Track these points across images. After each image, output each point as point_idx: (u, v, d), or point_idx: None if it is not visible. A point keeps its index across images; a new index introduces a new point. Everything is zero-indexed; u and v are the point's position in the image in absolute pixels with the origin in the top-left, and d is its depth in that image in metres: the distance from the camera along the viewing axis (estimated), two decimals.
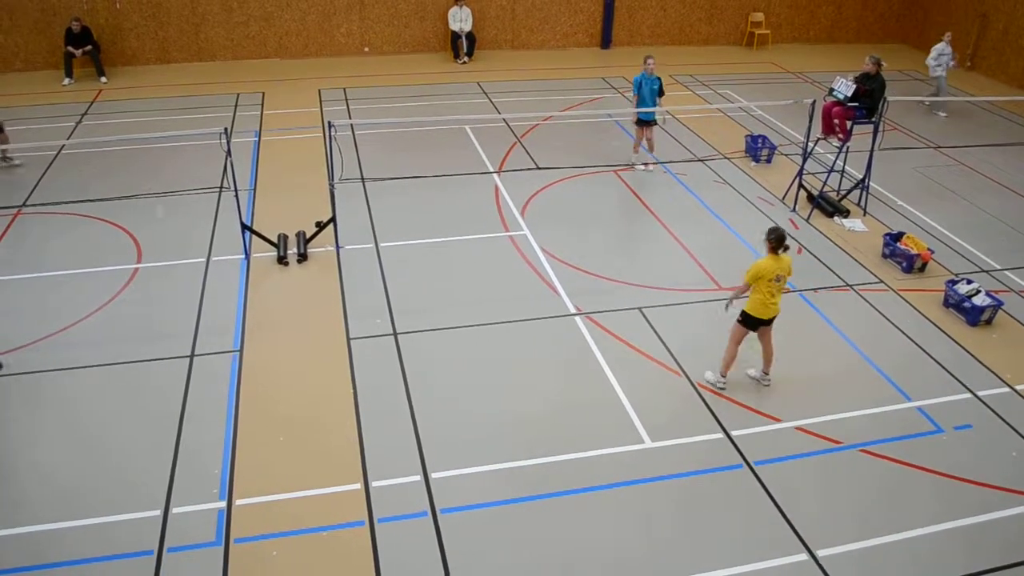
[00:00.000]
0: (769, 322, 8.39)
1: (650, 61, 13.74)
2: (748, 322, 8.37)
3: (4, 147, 12.98)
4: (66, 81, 18.31)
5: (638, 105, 13.76)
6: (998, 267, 11.45)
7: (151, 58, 19.62)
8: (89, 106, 16.95)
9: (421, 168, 13.92)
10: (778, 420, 8.30)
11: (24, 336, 9.30)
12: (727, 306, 8.36)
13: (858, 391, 8.84)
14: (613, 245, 11.72)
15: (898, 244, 11.33)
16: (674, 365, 9.07)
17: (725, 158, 14.96)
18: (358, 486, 7.34)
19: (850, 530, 7.04)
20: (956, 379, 9.05)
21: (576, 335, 9.61)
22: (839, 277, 11.04)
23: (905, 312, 10.28)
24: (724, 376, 8.69)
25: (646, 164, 14.30)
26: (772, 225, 8.30)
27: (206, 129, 10.63)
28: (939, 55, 17.71)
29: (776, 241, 8.03)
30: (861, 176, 13.03)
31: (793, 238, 12.04)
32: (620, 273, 10.90)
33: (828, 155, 14.35)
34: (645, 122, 13.96)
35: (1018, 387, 8.94)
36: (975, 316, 9.97)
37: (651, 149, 14.42)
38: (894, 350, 9.56)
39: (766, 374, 8.77)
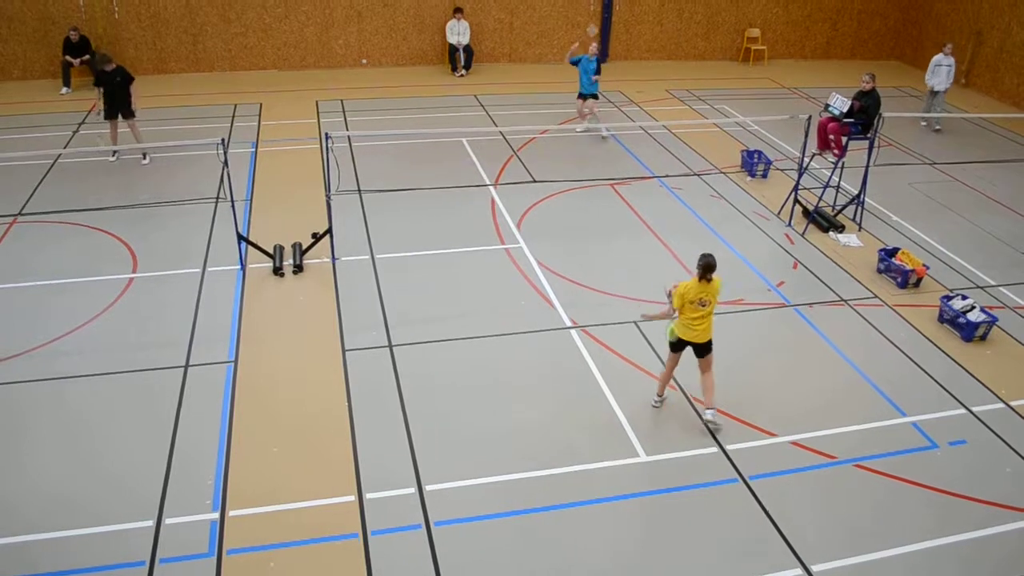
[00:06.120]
0: (699, 350, 8.08)
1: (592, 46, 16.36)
2: (673, 342, 8.20)
3: None
4: (64, 90, 18.35)
5: (580, 81, 16.34)
6: (993, 283, 11.49)
7: (149, 68, 19.65)
8: (86, 115, 16.94)
9: (418, 180, 13.95)
10: (773, 435, 8.29)
11: (19, 345, 9.28)
12: (641, 318, 8.50)
13: (853, 406, 8.84)
14: (609, 258, 11.73)
15: (893, 259, 11.37)
16: None
17: (721, 173, 15.01)
18: (352, 498, 7.31)
19: (844, 545, 7.03)
20: (951, 395, 9.06)
21: (572, 348, 9.61)
22: (834, 292, 11.07)
23: (900, 327, 10.30)
24: (659, 395, 8.58)
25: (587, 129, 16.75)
26: (706, 251, 7.92)
27: (203, 140, 10.65)
28: (935, 66, 17.64)
29: (701, 269, 7.76)
30: (856, 191, 13.07)
31: (788, 252, 12.09)
32: (616, 286, 10.91)
33: (824, 170, 14.41)
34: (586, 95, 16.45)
35: (1013, 403, 8.95)
36: (970, 332, 9.99)
37: (584, 117, 16.77)
38: (889, 365, 9.57)
39: (709, 407, 8.23)
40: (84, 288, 10.52)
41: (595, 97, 16.46)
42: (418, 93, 19.20)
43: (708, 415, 8.25)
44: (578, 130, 16.81)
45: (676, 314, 8.01)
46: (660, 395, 8.59)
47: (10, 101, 17.71)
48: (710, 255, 7.83)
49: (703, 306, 7.86)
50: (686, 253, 11.88)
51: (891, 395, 9.01)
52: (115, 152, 14.57)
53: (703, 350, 8.10)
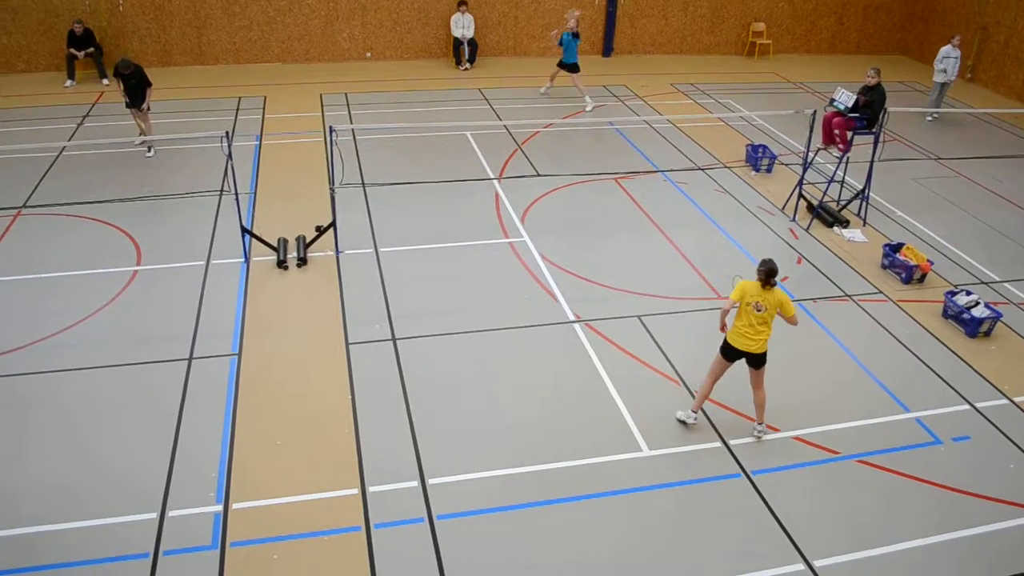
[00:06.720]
0: (754, 361, 7.81)
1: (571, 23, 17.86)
2: (725, 351, 7.85)
3: None
4: (68, 83, 18.34)
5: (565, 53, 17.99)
6: (997, 279, 11.46)
7: (153, 61, 19.63)
8: (91, 108, 16.98)
9: (422, 174, 13.93)
10: (776, 430, 8.29)
11: (22, 338, 9.30)
12: (722, 326, 7.84)
13: (856, 401, 8.84)
14: (613, 253, 11.72)
15: (897, 255, 11.35)
16: (672, 373, 9.07)
17: (726, 167, 14.98)
18: (355, 491, 7.33)
19: (847, 541, 7.04)
20: (954, 390, 9.05)
21: (575, 342, 9.61)
22: (838, 287, 11.05)
23: (904, 323, 10.29)
24: (695, 412, 8.22)
25: (547, 89, 18.85)
26: (767, 257, 7.70)
27: (207, 132, 10.63)
28: (943, 59, 17.77)
29: (764, 274, 7.52)
30: (861, 187, 13.05)
31: (792, 247, 12.07)
32: (619, 281, 10.90)
33: (828, 165, 14.38)
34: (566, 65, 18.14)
35: (1016, 399, 8.94)
36: (974, 327, 9.97)
37: (552, 81, 18.78)
38: (893, 361, 9.56)
39: (759, 423, 8.12)
40: (88, 281, 10.54)
41: (573, 69, 18.00)
42: (422, 87, 19.18)
43: (758, 429, 8.10)
44: (540, 90, 18.94)
45: (735, 306, 7.69)
46: (695, 411, 8.25)
47: (15, 94, 17.72)
48: (771, 260, 7.57)
49: (758, 311, 7.57)
50: (690, 247, 11.88)
51: (895, 390, 9.00)
52: (143, 141, 14.67)
53: (757, 362, 7.82)
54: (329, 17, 20.56)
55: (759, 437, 8.12)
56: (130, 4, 19.22)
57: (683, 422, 8.27)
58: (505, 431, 8.16)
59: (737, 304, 7.66)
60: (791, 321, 7.82)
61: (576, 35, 17.76)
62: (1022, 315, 10.59)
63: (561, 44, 17.86)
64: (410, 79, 19.74)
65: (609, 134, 16.55)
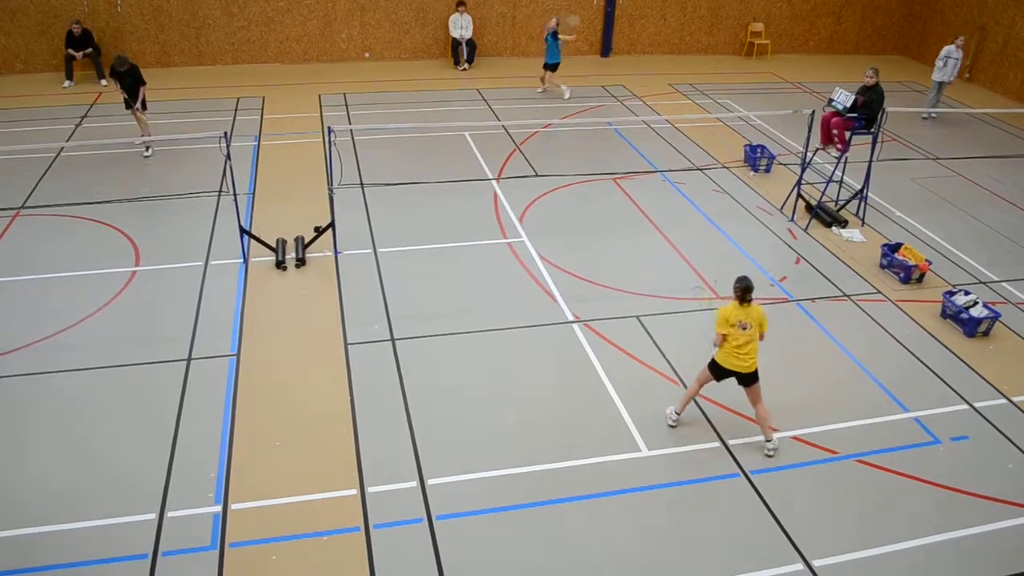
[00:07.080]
0: (745, 380, 7.77)
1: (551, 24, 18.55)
2: (714, 369, 7.85)
3: None
4: (66, 83, 18.34)
5: (547, 54, 18.61)
6: (996, 279, 11.47)
7: (152, 61, 19.64)
8: (89, 108, 16.97)
9: (420, 174, 13.93)
10: (775, 429, 8.27)
11: (21, 338, 9.29)
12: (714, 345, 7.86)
13: (855, 401, 8.84)
14: (611, 253, 11.72)
15: (896, 255, 11.35)
16: (671, 373, 9.08)
17: (724, 167, 14.99)
18: (354, 492, 7.33)
19: (846, 540, 7.04)
20: (953, 390, 9.06)
21: (574, 342, 9.61)
22: (837, 287, 11.05)
23: (902, 323, 10.29)
24: (679, 413, 8.22)
25: (544, 89, 19.16)
26: (741, 275, 7.69)
27: (206, 133, 10.63)
28: (944, 57, 17.81)
29: (740, 291, 7.49)
30: (859, 186, 13.06)
31: (791, 247, 12.07)
32: (618, 281, 10.91)
33: (827, 165, 14.38)
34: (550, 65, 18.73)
35: (1015, 399, 8.94)
36: (972, 327, 9.98)
37: (544, 82, 19.08)
38: (891, 361, 9.57)
39: (767, 441, 7.96)
40: (86, 282, 10.53)
41: (554, 69, 18.65)
42: (421, 87, 19.18)
43: (768, 447, 7.98)
44: (538, 90, 19.20)
45: (720, 339, 7.67)
46: (679, 413, 8.27)
47: (13, 94, 17.72)
48: (747, 278, 7.55)
49: (744, 329, 7.54)
50: (688, 248, 11.89)
51: (893, 390, 9.00)
52: (142, 142, 14.66)
53: (749, 380, 7.79)
54: (328, 18, 20.56)
55: (771, 455, 7.98)
56: (128, 5, 19.22)
57: (666, 417, 8.30)
58: (504, 431, 8.16)
59: (725, 335, 7.63)
60: (760, 337, 7.77)
61: (556, 36, 18.31)
62: (1020, 315, 10.60)
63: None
64: (408, 79, 19.75)
65: (607, 134, 16.55)
